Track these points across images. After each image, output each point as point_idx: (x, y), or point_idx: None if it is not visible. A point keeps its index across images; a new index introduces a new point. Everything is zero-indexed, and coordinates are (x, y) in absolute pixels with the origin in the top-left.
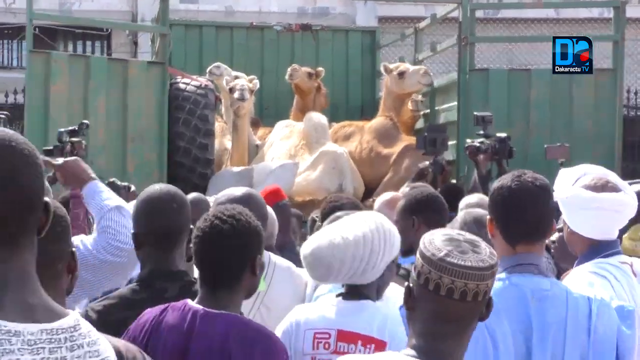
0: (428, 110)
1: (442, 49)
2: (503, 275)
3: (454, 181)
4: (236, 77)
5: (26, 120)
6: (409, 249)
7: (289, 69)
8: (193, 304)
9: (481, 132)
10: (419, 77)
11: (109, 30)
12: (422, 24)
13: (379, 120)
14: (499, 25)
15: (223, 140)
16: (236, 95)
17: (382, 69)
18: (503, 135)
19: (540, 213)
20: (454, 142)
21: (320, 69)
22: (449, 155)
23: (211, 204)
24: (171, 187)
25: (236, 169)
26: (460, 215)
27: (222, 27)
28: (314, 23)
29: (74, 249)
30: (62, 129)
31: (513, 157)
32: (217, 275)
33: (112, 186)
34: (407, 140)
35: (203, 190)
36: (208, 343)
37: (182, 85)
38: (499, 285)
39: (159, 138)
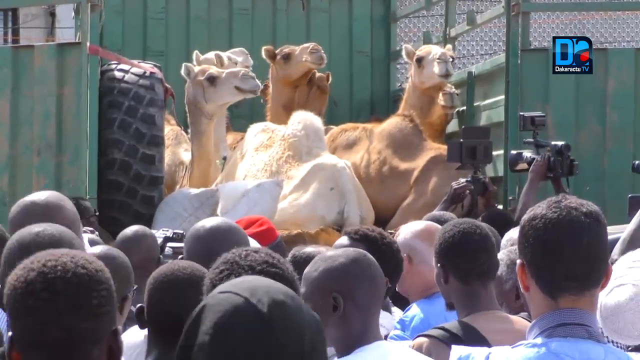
0: (464, 107)
1: (483, 21)
2: (539, 340)
3: (500, 206)
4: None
5: None
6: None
7: (264, 50)
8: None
9: (530, 139)
10: (434, 66)
11: None
12: None
13: (393, 122)
14: None
15: (177, 151)
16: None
17: (403, 53)
18: (560, 143)
19: (590, 252)
20: (501, 151)
21: None
22: (492, 170)
23: (159, 240)
24: None
25: (194, 190)
26: (503, 255)
27: None
28: None
29: (118, 327)
30: None
31: (574, 173)
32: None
33: (76, 205)
34: (434, 149)
35: (148, 220)
36: None
37: (117, 74)
38: (532, 353)
39: (75, 148)
